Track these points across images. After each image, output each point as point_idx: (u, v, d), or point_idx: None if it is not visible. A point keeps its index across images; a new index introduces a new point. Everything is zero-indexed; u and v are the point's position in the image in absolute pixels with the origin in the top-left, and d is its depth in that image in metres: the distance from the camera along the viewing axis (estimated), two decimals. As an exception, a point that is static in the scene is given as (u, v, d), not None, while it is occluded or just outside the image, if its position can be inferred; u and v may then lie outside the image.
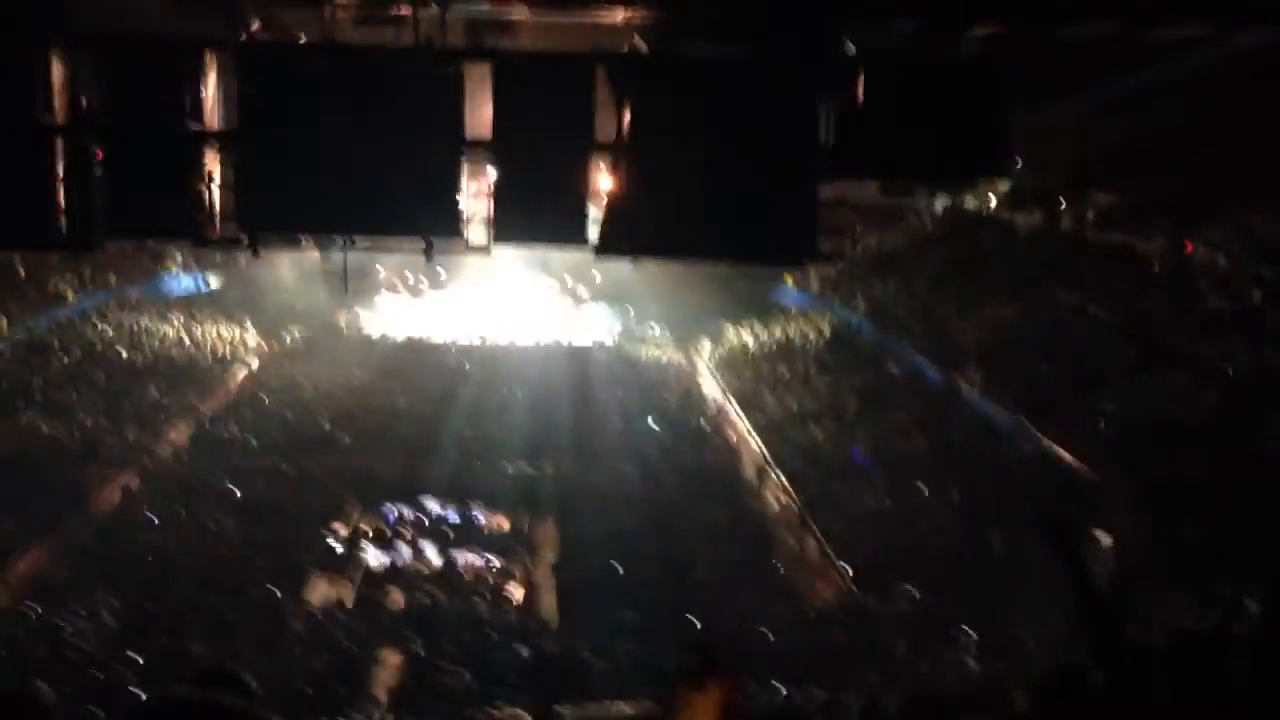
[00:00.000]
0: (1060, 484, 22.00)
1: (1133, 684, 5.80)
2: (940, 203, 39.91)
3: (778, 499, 28.02)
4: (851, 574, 22.43)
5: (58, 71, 8.51)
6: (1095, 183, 30.56)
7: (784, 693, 16.18)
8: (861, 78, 8.73)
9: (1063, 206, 31.69)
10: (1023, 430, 24.52)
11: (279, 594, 21.31)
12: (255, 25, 9.62)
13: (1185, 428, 20.63)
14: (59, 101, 8.58)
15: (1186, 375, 22.15)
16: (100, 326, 36.88)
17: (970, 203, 37.93)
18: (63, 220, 8.87)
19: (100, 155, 8.83)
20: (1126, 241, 28.50)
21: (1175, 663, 5.66)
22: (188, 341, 38.67)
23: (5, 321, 32.89)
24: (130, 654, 17.54)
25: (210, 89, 8.78)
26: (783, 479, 28.18)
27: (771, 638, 19.64)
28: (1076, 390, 24.15)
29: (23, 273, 36.10)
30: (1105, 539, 18.99)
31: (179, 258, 44.46)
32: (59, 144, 8.71)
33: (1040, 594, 18.85)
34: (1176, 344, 23.46)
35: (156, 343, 37.38)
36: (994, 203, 36.26)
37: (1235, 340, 22.29)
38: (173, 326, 39.70)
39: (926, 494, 24.12)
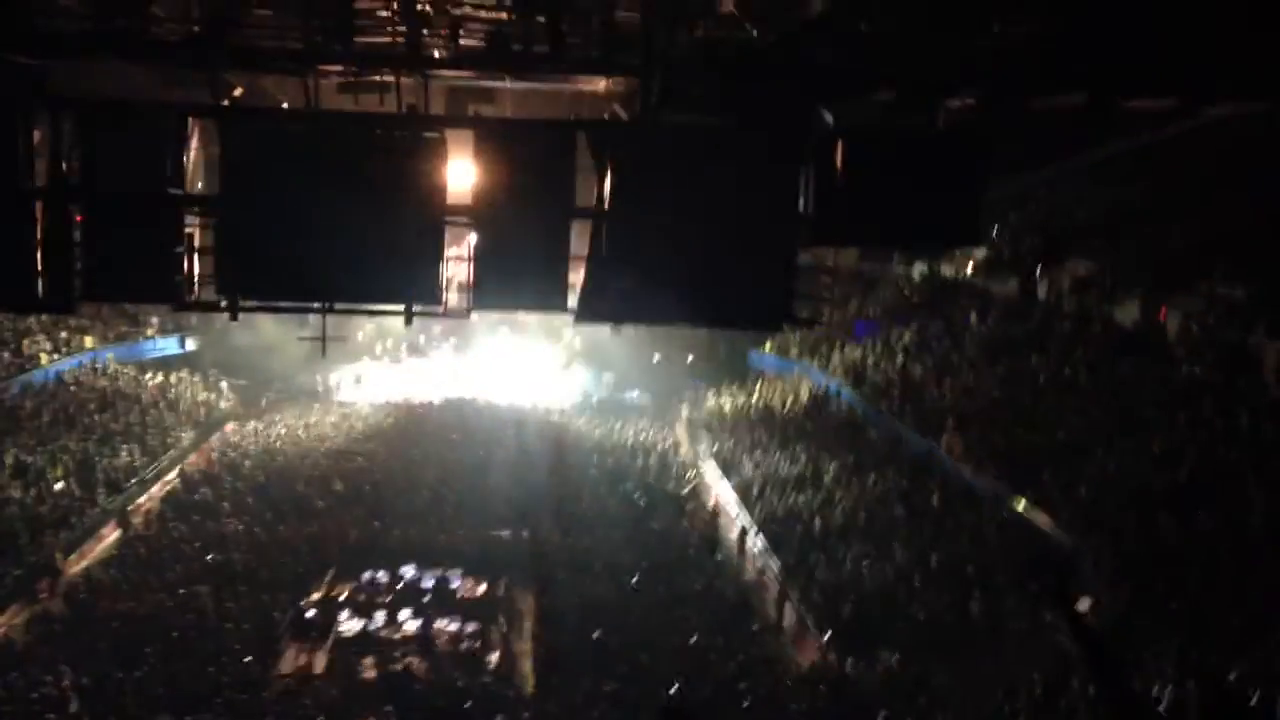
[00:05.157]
0: (1039, 550, 22.01)
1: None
2: (918, 269, 40.29)
3: (756, 564, 27.88)
4: (830, 639, 22.30)
5: (40, 136, 8.53)
6: (1070, 250, 30.98)
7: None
8: (840, 147, 8.85)
9: (1038, 274, 32.03)
10: (1001, 496, 24.56)
11: (251, 662, 20.98)
12: (238, 92, 9.69)
13: (1162, 495, 20.71)
14: (40, 165, 8.59)
15: (1162, 442, 22.26)
16: (74, 390, 36.63)
17: (947, 269, 38.29)
18: (40, 282, 8.84)
19: (80, 219, 8.83)
20: (1101, 309, 28.77)
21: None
22: (163, 405, 38.42)
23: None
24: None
25: (192, 154, 8.81)
26: (762, 544, 28.08)
27: (750, 704, 19.44)
28: (1054, 457, 24.22)
29: (-3, 335, 35.98)
30: (1084, 604, 18.96)
31: (155, 321, 44.37)
32: (39, 207, 8.70)
33: (1020, 658, 18.84)
34: (1151, 411, 23.62)
35: (132, 405, 37.13)
36: (970, 269, 36.61)
37: (1209, 407, 22.46)
38: (148, 390, 39.50)
39: (905, 559, 24.06)
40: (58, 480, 29.20)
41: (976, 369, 31.08)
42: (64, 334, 38.90)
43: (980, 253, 34.80)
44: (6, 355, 35.62)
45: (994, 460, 25.89)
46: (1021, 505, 23.80)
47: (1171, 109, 10.49)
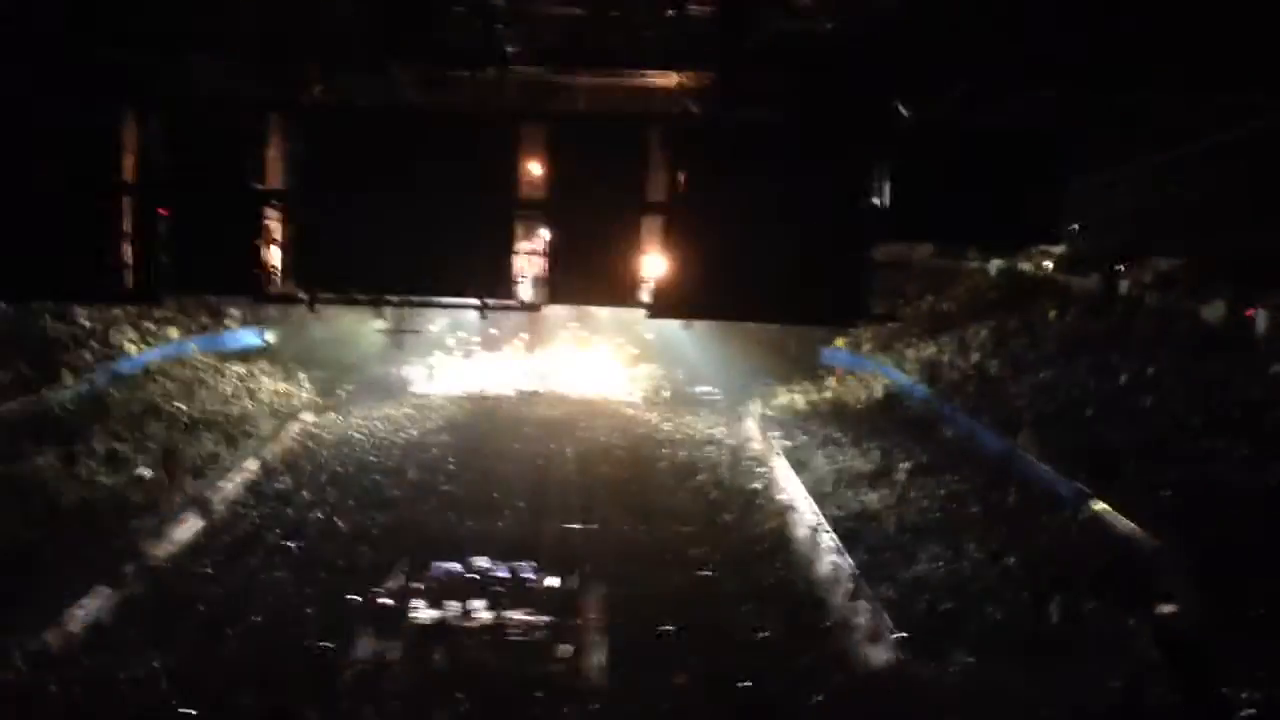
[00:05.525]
0: (1120, 552, 21.56)
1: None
2: (995, 264, 39.68)
3: (829, 562, 27.66)
4: (903, 639, 22.04)
5: (129, 133, 8.75)
6: (1154, 246, 30.26)
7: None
8: (917, 142, 8.75)
9: (1120, 270, 31.35)
10: (1081, 496, 24.09)
11: (328, 647, 21.35)
12: (318, 89, 9.86)
13: (1249, 496, 20.16)
14: (129, 161, 8.81)
15: (1248, 444, 21.67)
16: (159, 379, 37.54)
17: (1026, 265, 37.66)
18: (128, 274, 9.08)
19: (165, 212, 9.04)
20: (1185, 306, 28.08)
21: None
22: (244, 395, 39.24)
23: (68, 374, 33.61)
24: (182, 707, 17.62)
25: (273, 150, 8.98)
26: (835, 541, 27.85)
27: (820, 700, 19.30)
28: (1136, 456, 23.70)
29: (87, 325, 36.98)
30: (1167, 609, 18.55)
31: (236, 313, 45.26)
32: (127, 202, 8.94)
33: (1099, 663, 18.47)
34: (1238, 411, 23.00)
35: (214, 395, 37.97)
36: (1050, 265, 35.96)
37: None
38: (229, 380, 40.36)
39: (982, 560, 23.71)
40: (144, 467, 29.99)
41: (1055, 366, 30.51)
42: (149, 325, 39.86)
43: (1060, 248, 34.15)
44: (95, 345, 36.62)
45: (1073, 459, 25.40)
46: (1102, 506, 23.31)
47: (1261, 103, 10.21)
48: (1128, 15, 9.16)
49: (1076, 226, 32.65)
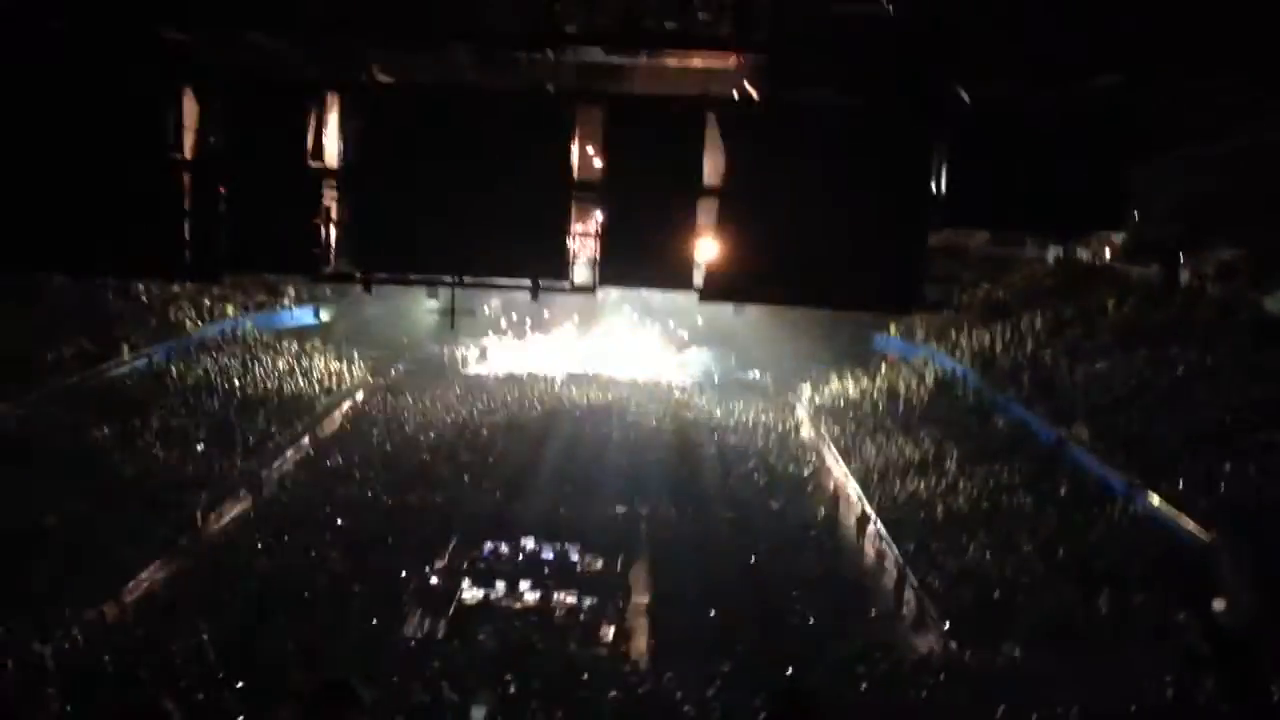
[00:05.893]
0: (1173, 546, 21.25)
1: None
2: (1052, 252, 39.14)
3: (876, 549, 27.54)
4: (950, 628, 21.90)
5: (189, 110, 8.84)
6: (1215, 236, 29.69)
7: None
8: (976, 127, 8.62)
9: (1181, 259, 30.80)
10: (1134, 489, 23.76)
11: (377, 625, 21.61)
12: (376, 68, 9.90)
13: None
14: (189, 138, 8.91)
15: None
16: (216, 356, 38.12)
17: (1084, 253, 37.11)
18: (188, 252, 9.19)
19: (224, 190, 9.14)
20: (1247, 297, 27.54)
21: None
22: (298, 373, 39.74)
23: (127, 349, 34.23)
24: (232, 677, 17.91)
25: (331, 129, 9.04)
26: (881, 529, 27.71)
27: (866, 688, 19.24)
28: (1192, 449, 23.32)
29: (146, 301, 37.63)
30: (1219, 604, 18.26)
31: (292, 291, 45.81)
32: (186, 179, 9.04)
33: (1148, 658, 18.24)
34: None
35: (268, 373, 38.49)
36: (1109, 254, 35.41)
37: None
38: (284, 358, 40.90)
39: (1031, 551, 23.47)
40: (200, 443, 30.50)
41: (1111, 356, 30.07)
42: (207, 302, 40.48)
43: (1119, 236, 33.59)
44: (154, 321, 37.26)
45: (1128, 451, 25.04)
46: (1156, 499, 22.98)
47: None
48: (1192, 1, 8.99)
49: (1135, 214, 32.13)
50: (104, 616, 21.14)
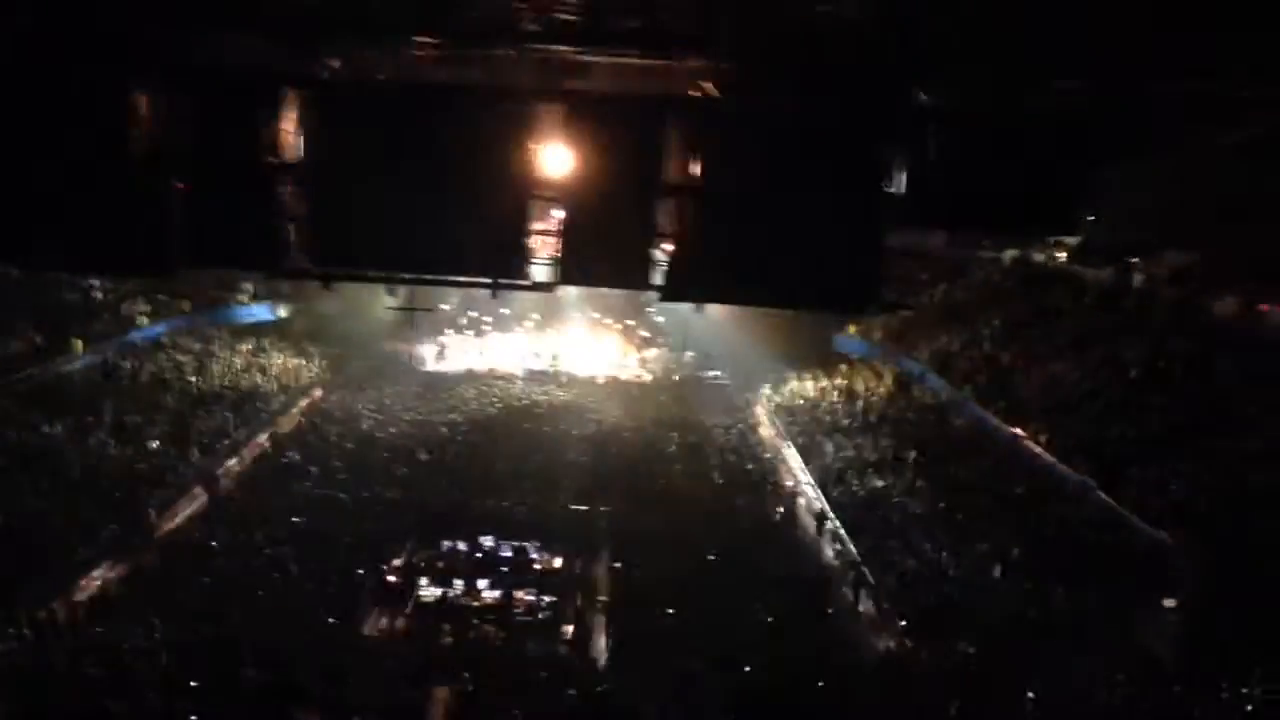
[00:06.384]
0: (1126, 546, 21.52)
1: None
2: (1009, 254, 39.52)
3: (834, 549, 27.70)
4: (906, 627, 22.07)
5: (147, 106, 8.74)
6: (1169, 241, 30.13)
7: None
8: (934, 128, 8.69)
9: (1135, 263, 31.21)
10: (1088, 489, 24.04)
11: (334, 624, 21.44)
12: (335, 63, 9.83)
13: (1258, 494, 20.09)
14: (146, 134, 8.80)
15: (1260, 439, 21.59)
16: (171, 352, 37.65)
17: (1039, 255, 37.50)
18: (142, 246, 9.08)
19: (180, 185, 9.03)
20: (1199, 301, 27.94)
21: None
22: (254, 370, 39.34)
23: (80, 345, 33.71)
24: (185, 676, 17.71)
25: (289, 125, 8.96)
26: (839, 529, 27.88)
27: (822, 686, 19.34)
28: (1145, 450, 23.63)
29: (99, 297, 37.07)
30: (1170, 604, 18.57)
31: (248, 288, 45.33)
32: (143, 175, 8.93)
33: (1102, 657, 18.46)
34: (1250, 408, 22.90)
35: (225, 370, 38.07)
36: (1064, 256, 35.80)
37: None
38: (240, 354, 40.48)
39: (986, 550, 23.69)
40: (154, 440, 30.10)
41: (1067, 357, 30.41)
42: (161, 297, 39.95)
43: (1075, 239, 33.98)
44: (107, 316, 36.72)
45: (1082, 451, 25.33)
46: (1109, 499, 23.26)
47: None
48: (1153, 5, 9.09)
49: (1091, 217, 32.52)
50: (54, 615, 20.81)
